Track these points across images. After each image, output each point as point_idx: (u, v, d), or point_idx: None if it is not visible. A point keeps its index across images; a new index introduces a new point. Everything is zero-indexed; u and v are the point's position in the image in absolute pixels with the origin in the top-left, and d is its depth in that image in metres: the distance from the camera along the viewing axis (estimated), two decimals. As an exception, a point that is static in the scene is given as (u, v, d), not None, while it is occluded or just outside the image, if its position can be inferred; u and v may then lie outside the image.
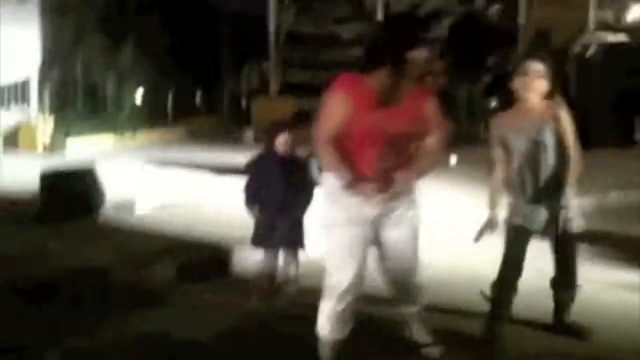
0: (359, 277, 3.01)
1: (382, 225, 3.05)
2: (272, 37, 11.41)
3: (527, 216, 3.31)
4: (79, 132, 10.61)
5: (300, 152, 4.10)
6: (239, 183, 4.02)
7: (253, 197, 4.06)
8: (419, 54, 2.88)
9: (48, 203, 5.46)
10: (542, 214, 3.29)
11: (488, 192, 3.36)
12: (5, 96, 10.53)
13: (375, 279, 3.08)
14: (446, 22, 9.74)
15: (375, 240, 3.12)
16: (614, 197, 5.76)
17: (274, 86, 11.34)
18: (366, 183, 2.90)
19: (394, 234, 3.06)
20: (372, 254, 3.07)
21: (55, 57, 11.30)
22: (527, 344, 3.25)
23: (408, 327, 3.17)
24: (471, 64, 8.44)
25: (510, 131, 3.29)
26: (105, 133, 11.08)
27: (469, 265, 4.26)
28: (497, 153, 3.33)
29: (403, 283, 3.15)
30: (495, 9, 9.00)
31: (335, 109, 2.95)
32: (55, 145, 10.09)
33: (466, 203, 5.55)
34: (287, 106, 10.09)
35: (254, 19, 12.16)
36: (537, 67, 3.21)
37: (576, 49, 8.32)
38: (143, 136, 11.42)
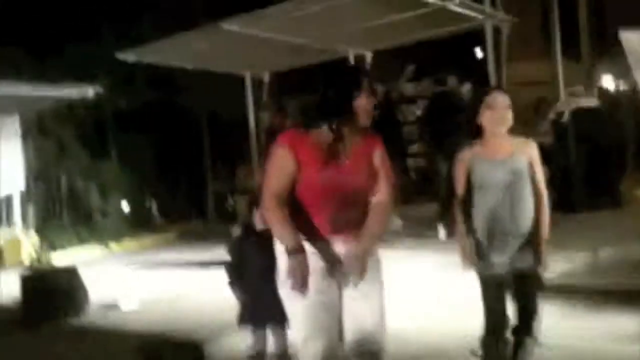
0: (332, 349, 2.84)
1: (348, 294, 2.88)
2: (252, 136, 11.56)
3: (498, 262, 3.20)
4: (65, 245, 10.54)
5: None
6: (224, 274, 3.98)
7: (235, 275, 3.98)
8: (362, 101, 2.86)
9: (30, 305, 5.37)
10: (512, 258, 3.18)
11: (461, 247, 3.23)
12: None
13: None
14: (421, 105, 9.98)
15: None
16: (604, 253, 5.73)
17: (258, 182, 11.38)
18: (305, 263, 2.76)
19: (363, 305, 2.89)
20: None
21: (38, 173, 11.36)
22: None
23: None
24: (448, 141, 8.52)
25: (482, 162, 3.18)
26: (90, 244, 10.97)
27: (457, 326, 4.18)
28: (460, 192, 3.21)
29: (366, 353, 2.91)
30: (466, 87, 9.18)
31: (279, 164, 2.83)
32: (40, 259, 9.96)
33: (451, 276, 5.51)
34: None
35: (234, 120, 12.38)
36: (504, 99, 3.20)
37: (551, 116, 8.48)
38: (129, 244, 11.32)
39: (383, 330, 2.94)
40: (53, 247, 10.33)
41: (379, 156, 2.93)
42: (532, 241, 3.15)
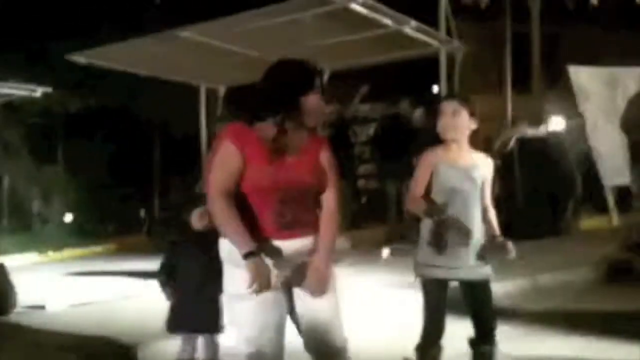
0: (277, 349, 2.76)
1: (297, 293, 2.82)
2: (204, 149, 11.44)
3: (447, 266, 3.20)
4: (3, 252, 10.21)
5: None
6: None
7: (167, 277, 3.87)
8: (312, 100, 2.78)
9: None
10: (461, 262, 3.20)
11: (417, 208, 3.21)
12: None
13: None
14: (373, 126, 10.02)
15: (292, 309, 2.86)
16: (543, 279, 5.80)
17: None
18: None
19: (316, 304, 2.81)
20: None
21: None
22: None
23: None
24: (398, 163, 8.56)
25: (446, 167, 3.21)
26: (29, 251, 10.66)
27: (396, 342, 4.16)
28: (419, 192, 3.21)
29: (325, 353, 2.85)
30: (419, 111, 9.26)
31: (225, 159, 2.71)
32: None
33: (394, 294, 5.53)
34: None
35: (186, 132, 12.25)
36: (450, 105, 3.22)
37: (497, 144, 8.61)
38: (68, 252, 11.03)
39: (341, 326, 2.88)
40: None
41: (325, 158, 2.87)
42: (481, 252, 3.18)
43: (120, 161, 12.74)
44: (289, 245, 2.75)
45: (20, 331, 4.93)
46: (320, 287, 2.77)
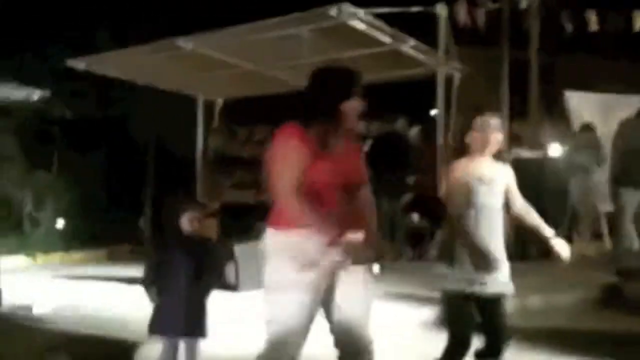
0: (300, 349, 2.86)
1: (337, 282, 2.88)
2: (199, 162, 11.44)
3: (473, 280, 3.18)
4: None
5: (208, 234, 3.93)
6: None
7: (152, 278, 3.84)
8: (353, 104, 2.89)
9: None
10: (486, 277, 3.17)
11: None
12: None
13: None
14: (368, 144, 10.01)
15: (326, 299, 2.91)
16: (535, 299, 5.80)
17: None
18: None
19: (350, 292, 2.91)
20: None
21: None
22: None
23: None
24: (392, 181, 8.57)
25: (474, 182, 3.19)
26: (18, 254, 10.59)
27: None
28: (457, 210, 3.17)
29: (354, 345, 2.93)
30: (415, 130, 9.29)
31: (293, 157, 2.80)
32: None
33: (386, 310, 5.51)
34: (213, 227, 9.92)
35: (181, 145, 12.22)
36: (494, 119, 3.22)
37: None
38: (58, 256, 10.97)
39: (369, 325, 2.99)
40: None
41: (363, 158, 3.11)
42: (502, 266, 3.20)
43: (114, 170, 12.70)
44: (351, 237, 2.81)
45: (8, 330, 4.90)
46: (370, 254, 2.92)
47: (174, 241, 3.80)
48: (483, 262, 3.17)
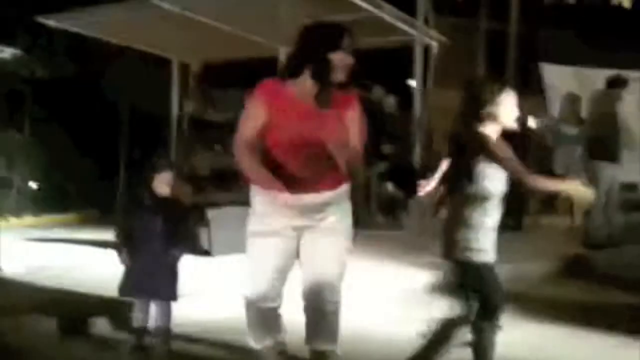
0: (274, 287, 2.99)
1: (307, 235, 2.98)
2: (173, 124, 11.33)
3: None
4: (-39, 216, 9.99)
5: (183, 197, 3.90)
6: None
7: (124, 240, 3.82)
8: (341, 56, 2.86)
9: None
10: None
11: None
12: None
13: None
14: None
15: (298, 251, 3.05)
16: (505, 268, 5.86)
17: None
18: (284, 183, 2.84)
19: (319, 245, 2.98)
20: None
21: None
22: None
23: None
24: (367, 149, 8.56)
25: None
26: (-12, 216, 10.45)
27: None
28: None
29: (319, 304, 3.03)
30: (391, 99, 9.27)
31: (252, 114, 2.89)
32: None
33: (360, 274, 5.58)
34: (186, 191, 9.85)
35: (156, 107, 12.06)
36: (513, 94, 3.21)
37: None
38: (30, 220, 10.85)
39: (340, 285, 3.11)
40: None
41: (351, 116, 2.97)
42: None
43: (87, 132, 12.49)
44: (311, 198, 2.92)
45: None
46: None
47: (145, 203, 3.77)
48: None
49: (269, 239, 2.95)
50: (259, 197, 2.97)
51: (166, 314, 3.80)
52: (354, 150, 2.92)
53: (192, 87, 10.91)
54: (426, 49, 9.43)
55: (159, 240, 3.71)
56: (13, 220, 10.61)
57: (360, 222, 8.15)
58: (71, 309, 4.35)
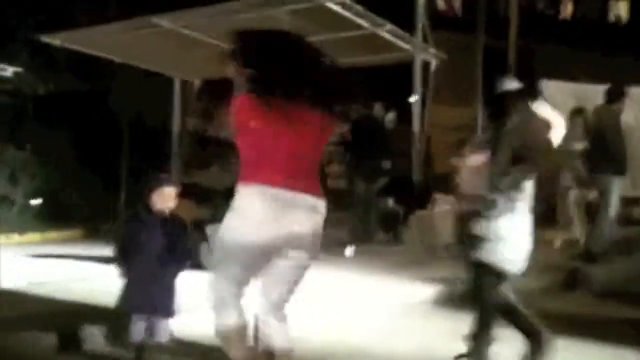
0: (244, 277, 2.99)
1: (280, 250, 2.99)
2: (175, 141, 11.40)
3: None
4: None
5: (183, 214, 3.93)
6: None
7: (123, 256, 3.85)
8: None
9: None
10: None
11: None
12: None
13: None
14: (345, 127, 10.05)
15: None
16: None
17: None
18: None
19: (295, 272, 3.06)
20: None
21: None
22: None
23: None
24: (368, 166, 8.62)
25: None
26: (-8, 232, 10.48)
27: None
28: None
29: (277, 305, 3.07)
30: (391, 115, 9.34)
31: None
32: None
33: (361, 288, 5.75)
34: (187, 207, 9.90)
35: (158, 124, 12.16)
36: None
37: (467, 149, 8.67)
38: (32, 236, 10.89)
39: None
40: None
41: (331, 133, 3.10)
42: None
43: (89, 148, 12.57)
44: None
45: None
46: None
47: (144, 218, 3.81)
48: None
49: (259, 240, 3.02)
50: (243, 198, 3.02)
51: (164, 329, 3.82)
52: None
53: (194, 104, 10.98)
54: (425, 65, 9.51)
55: (157, 255, 3.74)
56: (15, 237, 10.65)
57: (361, 237, 8.31)
58: (70, 324, 4.37)
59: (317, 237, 3.03)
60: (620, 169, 7.12)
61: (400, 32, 8.59)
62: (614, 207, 7.05)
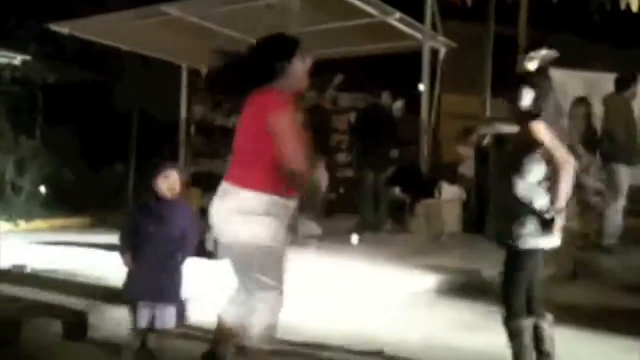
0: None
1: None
2: (183, 130, 11.41)
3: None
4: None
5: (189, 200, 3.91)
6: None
7: (128, 244, 3.82)
8: (301, 62, 3.19)
9: None
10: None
11: None
12: None
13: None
14: (353, 116, 10.02)
15: None
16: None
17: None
18: None
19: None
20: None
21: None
22: None
23: None
24: (376, 155, 8.58)
25: None
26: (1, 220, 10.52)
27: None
28: None
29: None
30: (399, 104, 9.29)
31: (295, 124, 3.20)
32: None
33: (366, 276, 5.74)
34: (196, 195, 9.91)
35: (166, 113, 12.14)
36: None
37: (474, 137, 8.65)
38: (40, 223, 10.92)
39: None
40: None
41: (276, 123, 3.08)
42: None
43: (97, 137, 12.59)
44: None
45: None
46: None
47: (150, 206, 3.78)
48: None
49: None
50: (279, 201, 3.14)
51: (170, 316, 3.80)
52: None
53: (201, 92, 10.98)
54: (434, 54, 9.45)
55: (163, 242, 3.72)
56: (23, 224, 10.68)
57: (368, 226, 8.28)
58: (75, 312, 4.37)
59: (225, 222, 3.22)
60: (629, 158, 7.04)
61: (410, 20, 8.54)
62: (623, 197, 6.99)
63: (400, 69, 10.86)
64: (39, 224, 10.88)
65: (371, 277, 5.76)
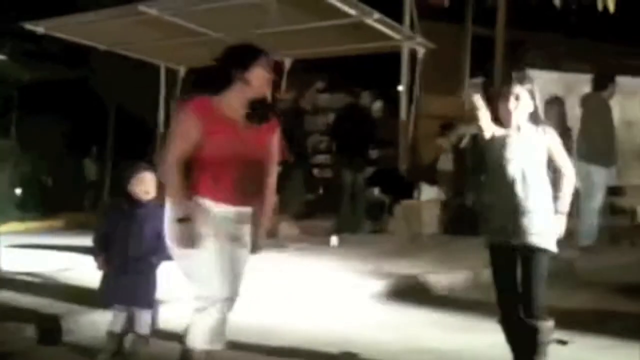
0: (233, 289, 3.06)
1: (234, 246, 3.08)
2: (160, 129, 11.30)
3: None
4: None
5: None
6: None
7: (101, 246, 3.77)
8: (261, 70, 3.09)
9: None
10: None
11: None
12: None
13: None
14: (331, 116, 10.00)
15: None
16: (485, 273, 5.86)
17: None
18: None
19: (241, 258, 3.13)
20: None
21: None
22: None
23: None
24: (355, 155, 8.56)
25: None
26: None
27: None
28: None
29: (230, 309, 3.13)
30: (378, 105, 9.28)
31: (185, 129, 3.00)
32: None
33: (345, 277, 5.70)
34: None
35: (143, 112, 12.05)
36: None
37: (452, 137, 8.68)
38: (14, 226, 10.78)
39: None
40: None
41: (275, 139, 3.19)
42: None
43: (73, 137, 12.48)
44: (240, 211, 3.06)
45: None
46: (261, 245, 3.19)
47: (123, 207, 3.73)
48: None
49: (220, 242, 3.01)
50: (207, 203, 3.02)
51: (145, 321, 3.76)
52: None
53: (179, 93, 10.89)
54: (413, 55, 9.45)
55: (137, 245, 3.67)
56: (-1, 226, 10.55)
57: (347, 226, 8.26)
58: (50, 315, 4.30)
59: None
60: (605, 159, 7.01)
61: (388, 20, 8.53)
62: (598, 198, 6.96)
63: (379, 69, 10.85)
64: (14, 225, 10.74)
65: (349, 278, 5.74)
